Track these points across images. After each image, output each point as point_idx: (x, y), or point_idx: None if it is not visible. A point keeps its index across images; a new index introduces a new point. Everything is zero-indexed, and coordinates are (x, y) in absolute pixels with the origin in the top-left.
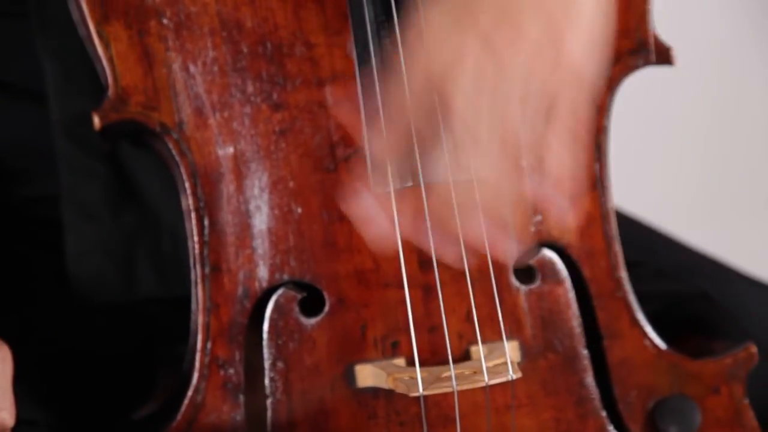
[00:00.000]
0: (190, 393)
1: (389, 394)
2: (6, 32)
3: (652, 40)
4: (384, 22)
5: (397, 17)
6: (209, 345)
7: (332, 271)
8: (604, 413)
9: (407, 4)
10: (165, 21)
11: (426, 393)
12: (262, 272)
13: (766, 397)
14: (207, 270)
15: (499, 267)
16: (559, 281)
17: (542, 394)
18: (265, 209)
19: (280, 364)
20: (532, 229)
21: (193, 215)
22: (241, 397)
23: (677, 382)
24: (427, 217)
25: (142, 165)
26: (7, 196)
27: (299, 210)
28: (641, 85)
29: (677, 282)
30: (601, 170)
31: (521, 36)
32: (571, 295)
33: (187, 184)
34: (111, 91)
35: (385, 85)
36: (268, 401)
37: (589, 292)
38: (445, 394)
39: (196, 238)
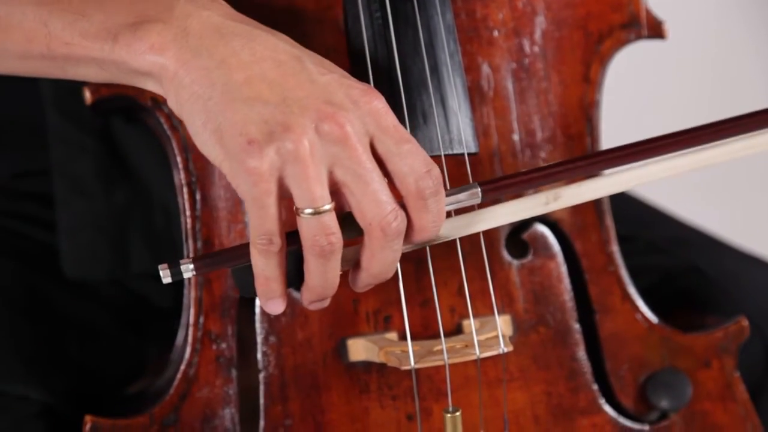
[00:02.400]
0: (183, 367)
1: (381, 368)
2: None
3: (644, 14)
4: None
5: None
6: (202, 319)
7: None
8: (595, 387)
9: None
10: None
11: (417, 366)
12: None
13: (757, 371)
14: (199, 244)
15: (491, 241)
16: (551, 255)
17: (534, 368)
18: None
19: (272, 339)
20: None
21: (185, 190)
22: (234, 372)
23: (668, 355)
24: None
25: (134, 140)
26: None
27: None
28: (634, 59)
29: (669, 256)
30: (593, 144)
31: None
32: (563, 269)
33: (179, 159)
34: None
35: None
36: (261, 375)
37: (581, 266)
38: (437, 368)
39: (188, 213)
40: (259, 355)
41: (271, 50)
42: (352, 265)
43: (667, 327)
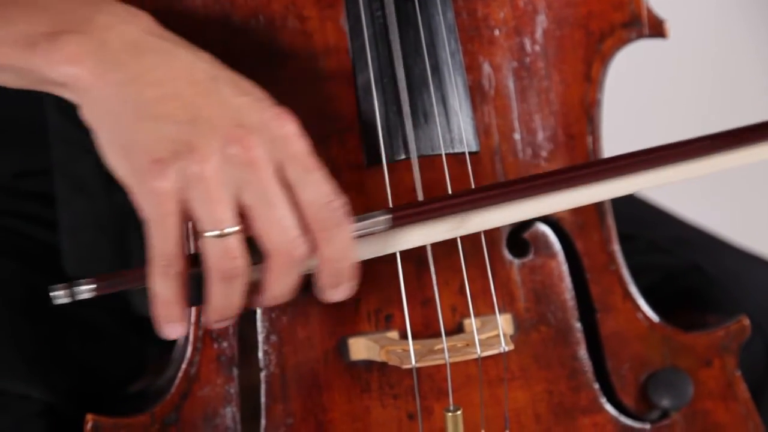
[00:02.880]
0: (184, 366)
1: (382, 367)
2: None
3: (645, 13)
4: None
5: None
6: (203, 318)
7: None
8: (596, 386)
9: None
10: None
11: (418, 365)
12: None
13: (758, 370)
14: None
15: (492, 240)
16: (552, 254)
17: (535, 367)
18: None
19: (273, 338)
20: None
21: None
22: (235, 370)
23: (670, 354)
24: (420, 192)
25: None
26: (0, 170)
27: None
28: (635, 58)
29: (670, 255)
30: (594, 143)
31: None
32: (564, 268)
33: None
34: None
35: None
36: (262, 374)
37: (582, 265)
38: (438, 367)
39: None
40: (260, 354)
41: (187, 68)
42: (252, 286)
43: (668, 326)
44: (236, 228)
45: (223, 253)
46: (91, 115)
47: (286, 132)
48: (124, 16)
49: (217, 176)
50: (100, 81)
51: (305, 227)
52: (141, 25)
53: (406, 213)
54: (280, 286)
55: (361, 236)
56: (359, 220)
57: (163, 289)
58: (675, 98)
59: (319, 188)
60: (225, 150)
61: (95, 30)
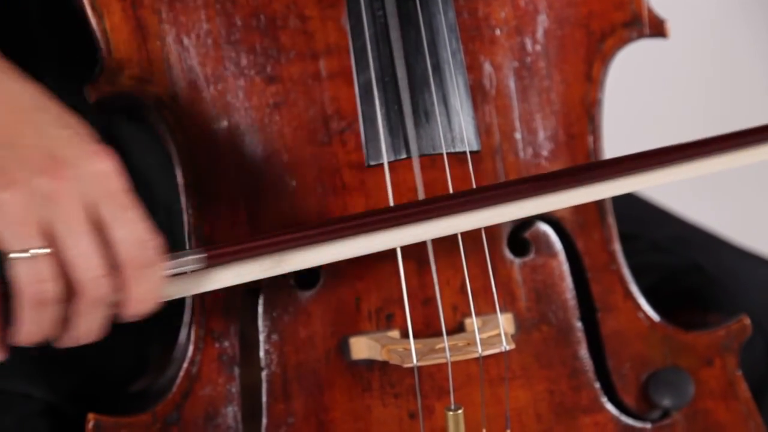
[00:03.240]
0: (185, 365)
1: (384, 366)
2: None
3: (645, 13)
4: None
5: None
6: (204, 318)
7: None
8: (597, 385)
9: None
10: None
11: (420, 364)
12: None
13: (759, 369)
14: (201, 243)
15: (493, 239)
16: (553, 254)
17: (536, 366)
18: (259, 182)
19: (274, 337)
20: None
21: (187, 189)
22: (236, 370)
23: (671, 354)
24: (420, 190)
25: (136, 139)
26: None
27: (293, 183)
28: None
29: (671, 255)
30: (595, 143)
31: None
32: (565, 267)
33: (181, 158)
34: (105, 64)
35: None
36: (263, 373)
37: (583, 264)
38: (439, 366)
39: (190, 212)
40: (261, 353)
41: (12, 96)
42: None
43: (669, 325)
44: (45, 251)
45: (32, 276)
46: None
47: (102, 169)
48: None
49: (22, 203)
50: None
51: (115, 266)
52: None
53: (222, 252)
54: (85, 324)
55: (172, 275)
56: (172, 259)
57: None
58: (675, 98)
59: (132, 227)
60: (33, 179)
61: None
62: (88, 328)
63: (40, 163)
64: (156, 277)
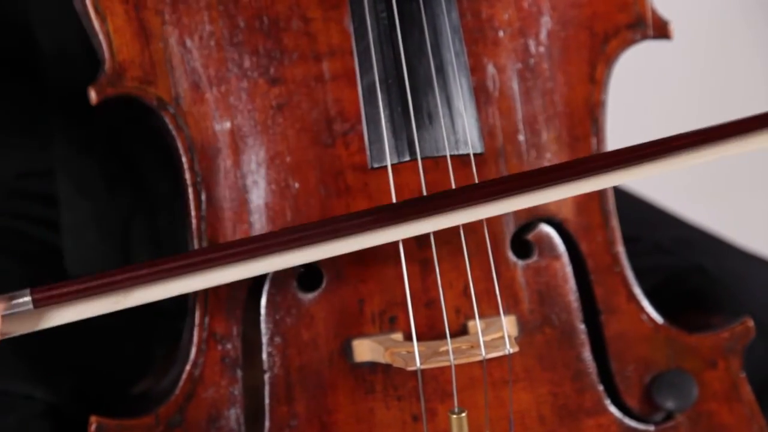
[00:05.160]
0: (188, 368)
1: (387, 368)
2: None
3: (649, 14)
4: None
5: None
6: (207, 320)
7: None
8: (600, 387)
9: None
10: None
11: (423, 367)
12: None
13: (762, 371)
14: (204, 244)
15: (496, 241)
16: (556, 256)
17: (539, 369)
18: (262, 184)
19: (277, 339)
20: None
21: (190, 190)
22: (239, 372)
23: (674, 356)
24: (425, 192)
25: (139, 140)
26: (3, 171)
27: (296, 185)
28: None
29: (674, 257)
30: (599, 144)
31: None
32: (569, 269)
33: (184, 159)
34: (107, 66)
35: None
36: (266, 376)
37: (587, 266)
38: (442, 369)
39: (193, 213)
40: (264, 356)
41: None
42: None
43: (672, 327)
44: None
45: None
46: None
47: None
48: None
49: None
50: None
51: None
52: None
53: (48, 295)
54: None
55: (5, 316)
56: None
57: None
58: (679, 99)
59: None
60: None
61: None
62: None
63: None
64: None
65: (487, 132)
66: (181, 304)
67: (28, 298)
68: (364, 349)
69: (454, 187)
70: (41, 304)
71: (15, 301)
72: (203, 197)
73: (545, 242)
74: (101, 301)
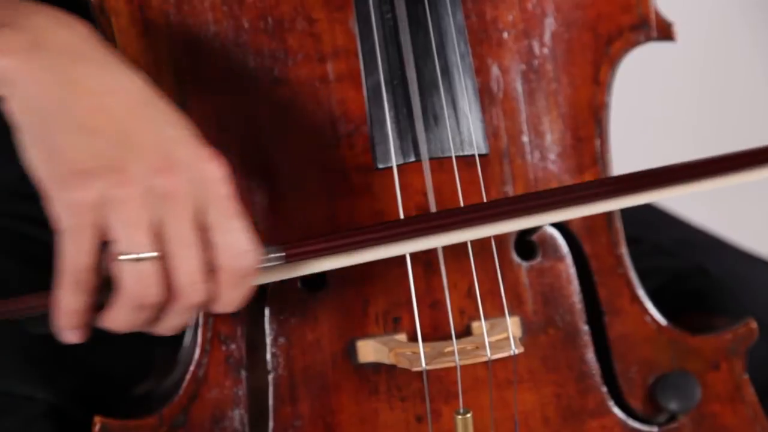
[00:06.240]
0: (192, 368)
1: (391, 369)
2: None
3: (653, 16)
4: None
5: None
6: (211, 320)
7: None
8: (604, 389)
9: None
10: None
11: (429, 368)
12: None
13: (765, 372)
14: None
15: (501, 243)
16: (560, 257)
17: (543, 370)
18: (267, 185)
19: (281, 340)
20: None
21: None
22: (243, 373)
23: (677, 357)
24: (429, 192)
25: None
26: (6, 172)
27: (301, 186)
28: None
29: (676, 258)
30: (602, 146)
31: None
32: (572, 271)
33: None
34: None
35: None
36: (270, 376)
37: (590, 268)
38: (447, 370)
39: None
40: (268, 356)
41: (122, 84)
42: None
43: (675, 329)
44: (153, 254)
45: (137, 278)
46: (17, 110)
47: (214, 174)
48: (63, 21)
49: (137, 202)
50: (29, 78)
51: (212, 270)
52: (79, 31)
53: (300, 251)
54: (172, 321)
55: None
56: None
57: (71, 301)
58: (682, 101)
59: (237, 236)
60: (150, 179)
61: (30, 28)
62: (173, 325)
63: (157, 162)
64: (248, 284)
65: (491, 133)
66: None
67: (282, 254)
68: (369, 350)
69: (459, 188)
70: (292, 260)
71: (270, 256)
72: None
73: (549, 243)
74: (339, 259)
